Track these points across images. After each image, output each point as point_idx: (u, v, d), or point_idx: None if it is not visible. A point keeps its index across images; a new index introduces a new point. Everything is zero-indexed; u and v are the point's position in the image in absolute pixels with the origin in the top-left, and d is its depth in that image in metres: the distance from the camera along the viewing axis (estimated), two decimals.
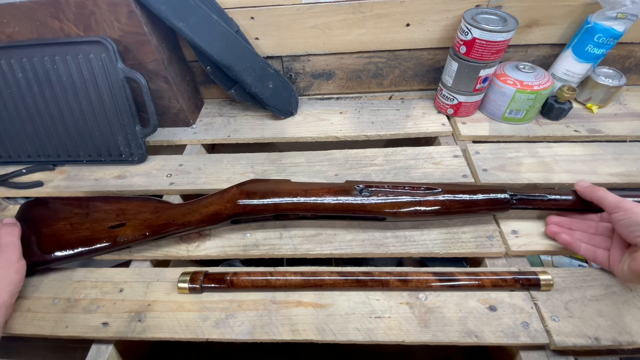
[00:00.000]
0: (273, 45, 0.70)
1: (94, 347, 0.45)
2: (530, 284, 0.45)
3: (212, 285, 0.47)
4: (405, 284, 0.46)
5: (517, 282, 0.45)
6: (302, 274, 0.47)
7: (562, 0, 0.63)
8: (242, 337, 0.44)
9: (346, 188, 0.50)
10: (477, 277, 0.46)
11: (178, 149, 0.71)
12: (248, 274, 0.47)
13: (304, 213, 0.51)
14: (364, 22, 0.66)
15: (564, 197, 0.49)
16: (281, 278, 0.47)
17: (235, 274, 0.47)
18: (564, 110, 0.66)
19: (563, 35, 0.67)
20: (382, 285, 0.46)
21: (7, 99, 0.62)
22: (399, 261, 0.70)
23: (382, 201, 0.49)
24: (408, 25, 0.67)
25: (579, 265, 0.64)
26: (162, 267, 0.53)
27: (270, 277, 0.47)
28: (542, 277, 0.45)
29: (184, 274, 0.48)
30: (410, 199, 0.49)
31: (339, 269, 0.48)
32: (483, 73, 0.62)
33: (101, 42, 0.57)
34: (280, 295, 0.47)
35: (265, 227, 0.55)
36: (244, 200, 0.49)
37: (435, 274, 0.46)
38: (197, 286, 0.47)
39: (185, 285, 0.47)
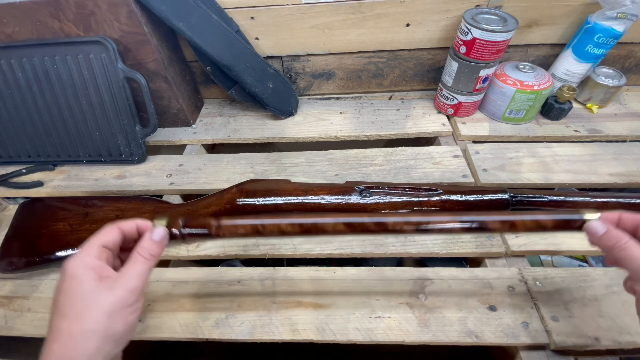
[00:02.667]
0: (273, 45, 0.70)
1: None
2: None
3: (194, 232, 0.37)
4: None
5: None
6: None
7: (562, 0, 0.63)
8: (242, 337, 0.44)
9: (346, 189, 0.50)
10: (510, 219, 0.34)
11: (178, 149, 0.71)
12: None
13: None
14: (364, 22, 0.66)
15: (562, 199, 0.49)
16: (274, 222, 0.36)
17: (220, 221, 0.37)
18: (564, 110, 0.66)
19: (563, 35, 0.67)
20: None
21: (7, 99, 0.62)
22: (399, 261, 0.70)
23: (382, 202, 0.49)
24: (408, 25, 0.67)
25: (579, 266, 0.64)
26: (162, 267, 0.53)
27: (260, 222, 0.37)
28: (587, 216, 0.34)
29: (157, 220, 0.37)
30: (410, 200, 0.49)
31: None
32: (483, 73, 0.62)
33: (101, 42, 0.57)
34: (280, 296, 0.47)
35: None
36: (244, 200, 0.49)
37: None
38: (177, 232, 0.36)
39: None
